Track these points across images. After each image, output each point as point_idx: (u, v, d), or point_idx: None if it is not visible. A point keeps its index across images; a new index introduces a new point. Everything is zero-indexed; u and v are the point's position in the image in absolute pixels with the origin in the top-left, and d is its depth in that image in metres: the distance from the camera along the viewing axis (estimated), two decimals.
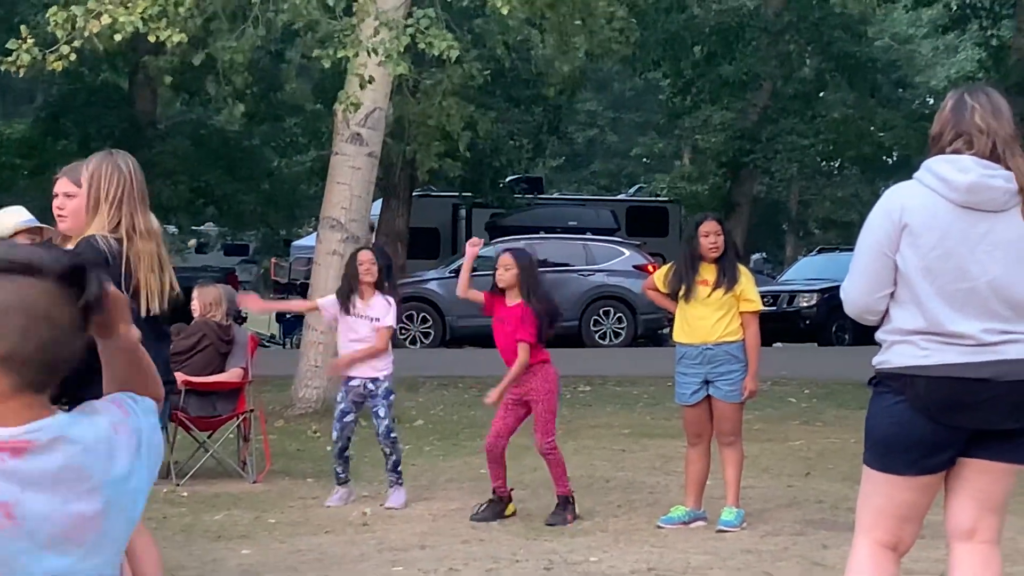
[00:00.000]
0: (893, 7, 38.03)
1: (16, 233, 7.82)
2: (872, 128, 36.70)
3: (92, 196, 6.36)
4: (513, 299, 10.19)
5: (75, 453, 2.44)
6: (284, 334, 31.22)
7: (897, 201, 5.41)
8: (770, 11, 34.63)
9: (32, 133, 33.47)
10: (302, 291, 29.21)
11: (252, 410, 12.47)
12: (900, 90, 41.33)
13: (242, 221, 40.61)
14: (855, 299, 5.54)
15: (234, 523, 10.27)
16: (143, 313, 6.30)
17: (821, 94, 38.44)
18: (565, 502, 10.26)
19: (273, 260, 41.55)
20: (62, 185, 6.94)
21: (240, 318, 14.72)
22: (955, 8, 34.14)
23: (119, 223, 6.31)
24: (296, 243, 42.92)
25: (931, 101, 45.51)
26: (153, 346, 6.44)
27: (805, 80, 36.61)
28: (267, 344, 28.42)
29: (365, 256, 11.17)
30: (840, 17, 32.66)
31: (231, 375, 12.24)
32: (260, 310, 11.44)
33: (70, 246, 6.69)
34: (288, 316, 31.58)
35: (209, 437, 12.37)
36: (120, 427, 2.54)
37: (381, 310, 11.01)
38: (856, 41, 35.56)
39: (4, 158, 33.33)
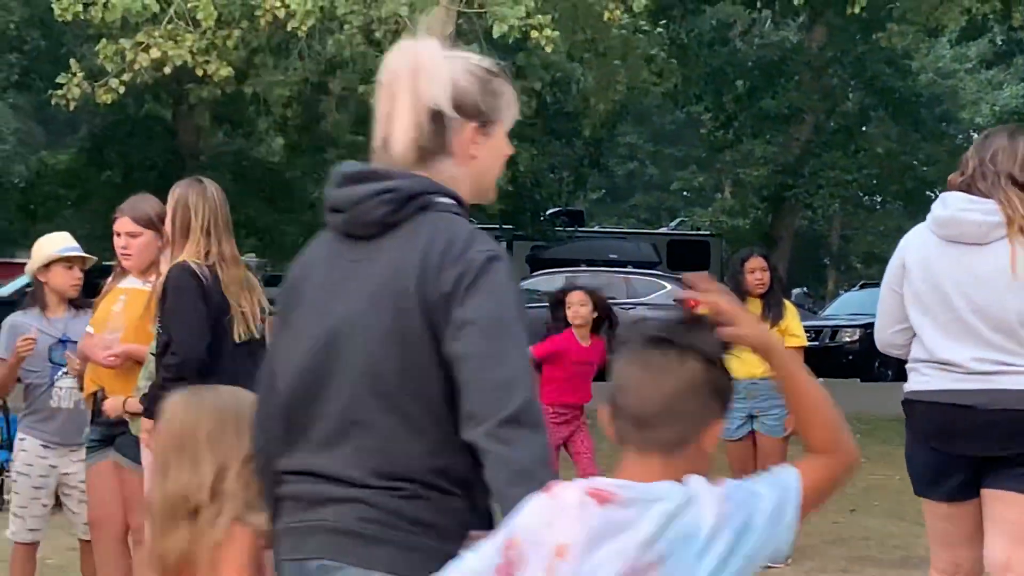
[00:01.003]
0: (937, 42, 37.99)
1: (51, 262, 7.68)
2: (915, 163, 36.61)
3: (180, 223, 6.36)
4: (587, 336, 10.16)
5: (646, 516, 2.69)
6: None
7: (904, 240, 5.76)
8: (813, 45, 34.61)
9: (76, 163, 33.63)
10: None
11: None
12: (944, 124, 41.18)
13: (283, 252, 40.67)
14: (876, 333, 5.93)
15: None
16: (236, 339, 6.33)
17: (864, 128, 38.33)
18: None
19: None
20: (124, 225, 6.95)
21: None
22: (1000, 43, 34.05)
23: (210, 250, 6.32)
24: None
25: (975, 136, 45.35)
26: (248, 371, 6.52)
27: (848, 114, 36.54)
28: None
29: None
30: (884, 51, 32.59)
31: None
32: None
33: (154, 278, 6.70)
34: None
35: None
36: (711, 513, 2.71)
37: None
38: (900, 75, 35.48)
39: (48, 188, 33.52)
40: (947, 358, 5.50)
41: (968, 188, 5.57)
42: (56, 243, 7.75)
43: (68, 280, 7.61)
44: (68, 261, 7.62)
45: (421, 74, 3.29)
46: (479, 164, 3.38)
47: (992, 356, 5.43)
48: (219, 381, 6.30)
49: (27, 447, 7.68)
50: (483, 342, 3.07)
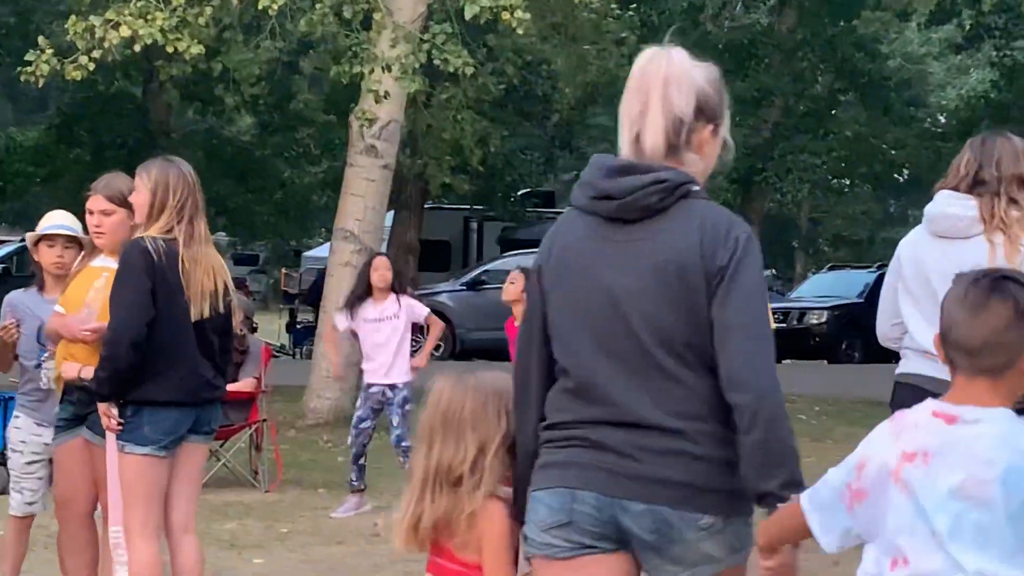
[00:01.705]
0: (906, 25, 38.06)
1: (39, 240, 7.61)
2: (884, 146, 36.69)
3: (158, 202, 6.38)
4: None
5: (978, 434, 3.34)
6: (294, 344, 31.25)
7: (903, 238, 6.06)
8: (784, 28, 34.65)
9: (45, 141, 33.52)
10: (314, 302, 29.19)
11: (265, 420, 12.53)
12: (912, 109, 41.29)
13: (254, 231, 40.69)
14: (877, 327, 6.14)
15: (247, 532, 10.31)
16: (194, 318, 6.36)
17: (833, 112, 38.40)
18: None
19: (283, 271, 41.61)
20: (97, 203, 6.93)
21: (252, 328, 14.76)
22: (969, 27, 34.14)
23: (172, 227, 6.35)
24: (307, 254, 42.96)
25: (943, 120, 45.50)
26: (203, 349, 6.51)
27: (817, 97, 36.58)
28: (276, 354, 28.45)
29: (380, 262, 11.34)
30: (854, 35, 32.65)
31: (244, 385, 12.27)
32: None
33: (114, 256, 6.70)
34: (299, 326, 31.61)
35: (222, 446, 12.40)
36: None
37: (394, 307, 11.19)
38: (870, 59, 35.55)
39: (17, 165, 33.40)
40: (929, 347, 5.69)
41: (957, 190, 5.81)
42: (46, 221, 7.66)
43: (49, 258, 7.51)
44: (50, 239, 7.54)
45: (672, 81, 3.92)
46: (707, 159, 4.00)
47: None
48: (170, 357, 6.34)
49: (21, 424, 7.67)
50: (741, 313, 3.77)
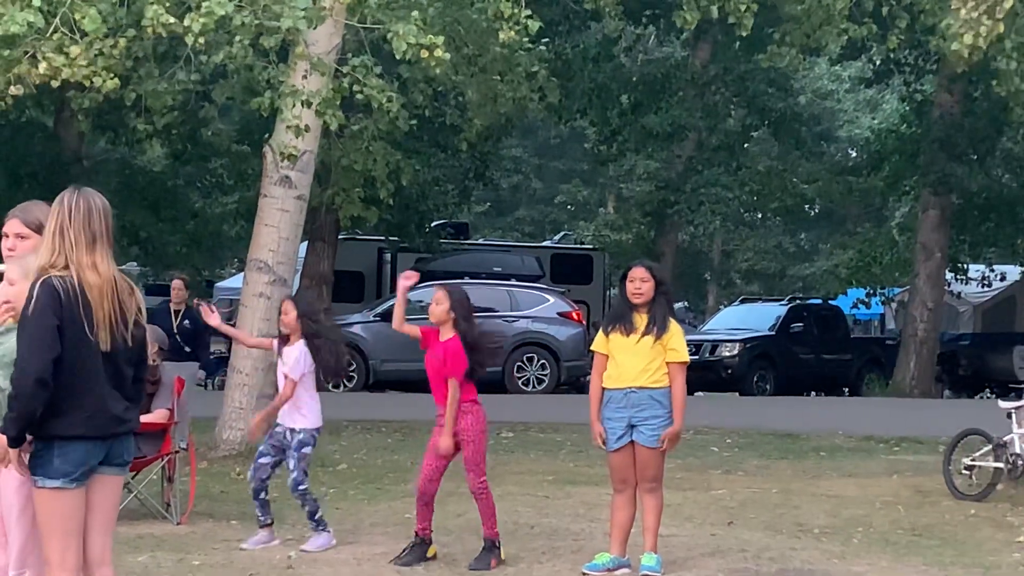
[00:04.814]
0: (816, 62, 38.44)
1: None
2: (795, 180, 37.06)
3: (45, 230, 6.38)
4: (446, 334, 10.23)
5: None
6: (206, 375, 31.02)
7: None
8: (697, 63, 34.94)
9: None
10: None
11: (177, 451, 12.44)
12: (823, 143, 41.73)
13: (166, 262, 40.39)
14: None
15: (158, 565, 10.23)
16: (104, 348, 6.30)
17: (746, 145, 38.74)
18: (492, 545, 10.27)
19: (196, 301, 41.28)
20: (13, 226, 6.92)
21: (165, 358, 14.64)
22: (879, 63, 34.57)
23: (66, 260, 6.28)
24: (219, 284, 42.76)
25: (853, 153, 46.02)
26: (112, 385, 6.42)
27: (730, 131, 36.92)
28: None
29: (283, 306, 11.22)
30: (765, 70, 32.99)
31: (157, 416, 12.19)
32: (217, 327, 11.61)
33: (23, 285, 6.62)
34: (211, 356, 31.40)
35: (133, 478, 12.30)
36: None
37: (290, 361, 10.97)
38: (781, 95, 35.93)
39: None
40: None
41: None
42: None
43: None
44: None
45: None
46: None
47: None
48: (78, 392, 6.26)
49: None
50: None
